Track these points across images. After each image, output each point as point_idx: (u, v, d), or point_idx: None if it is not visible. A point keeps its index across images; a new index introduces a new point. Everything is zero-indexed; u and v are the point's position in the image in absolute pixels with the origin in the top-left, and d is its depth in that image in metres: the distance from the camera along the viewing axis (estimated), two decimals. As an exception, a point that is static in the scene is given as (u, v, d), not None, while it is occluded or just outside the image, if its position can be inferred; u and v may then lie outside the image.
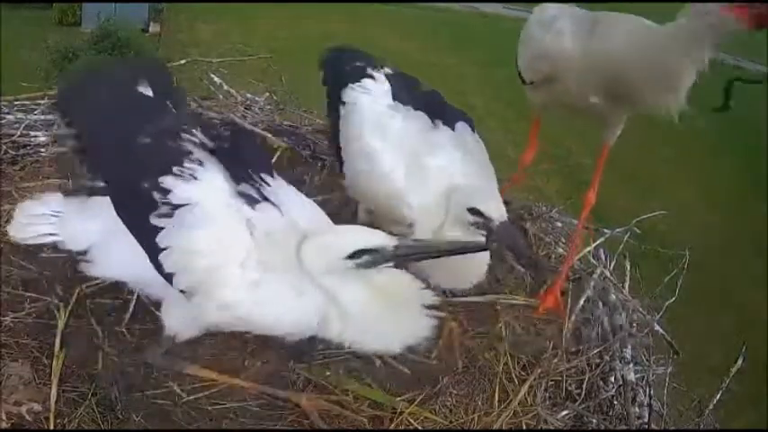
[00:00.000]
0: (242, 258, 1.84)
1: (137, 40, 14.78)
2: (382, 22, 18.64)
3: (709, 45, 2.13)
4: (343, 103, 2.48)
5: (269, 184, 1.98)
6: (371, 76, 2.50)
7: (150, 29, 17.70)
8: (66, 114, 2.06)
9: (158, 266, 1.89)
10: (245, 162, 1.96)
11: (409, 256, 1.96)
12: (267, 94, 3.86)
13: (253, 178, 1.94)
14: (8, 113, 3.25)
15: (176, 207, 1.82)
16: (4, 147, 3.04)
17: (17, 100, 3.42)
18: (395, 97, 2.47)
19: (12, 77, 7.35)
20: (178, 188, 1.83)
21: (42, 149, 3.11)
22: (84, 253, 2.09)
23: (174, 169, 1.84)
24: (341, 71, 2.55)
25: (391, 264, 1.94)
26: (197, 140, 1.92)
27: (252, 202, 1.89)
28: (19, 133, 3.12)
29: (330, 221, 2.12)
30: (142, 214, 1.85)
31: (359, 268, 1.90)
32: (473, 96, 13.48)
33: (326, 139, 3.47)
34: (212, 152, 1.94)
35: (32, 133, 3.16)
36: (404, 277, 1.99)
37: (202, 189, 1.86)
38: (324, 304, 1.92)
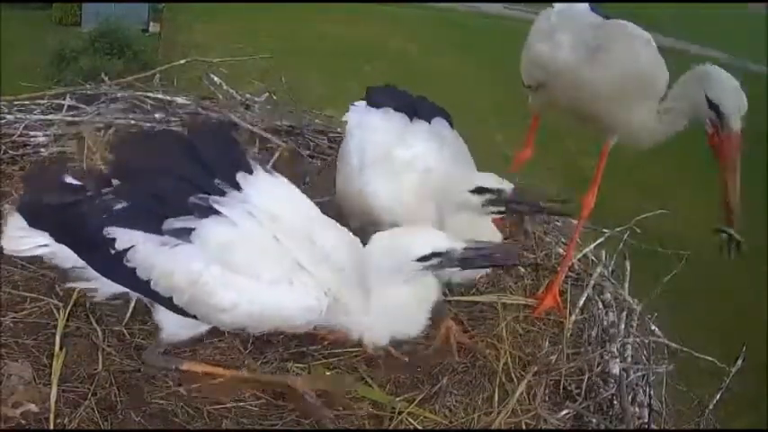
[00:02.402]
0: (201, 268, 1.88)
1: (137, 39, 14.80)
2: (382, 22, 18.64)
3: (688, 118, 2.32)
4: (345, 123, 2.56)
5: (223, 193, 1.95)
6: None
7: (150, 29, 17.71)
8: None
9: (154, 295, 1.96)
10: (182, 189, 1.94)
11: (474, 260, 1.98)
12: (267, 94, 3.86)
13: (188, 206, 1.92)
14: (8, 113, 3.25)
15: (128, 249, 1.91)
16: (3, 147, 3.05)
17: (17, 100, 3.42)
18: (369, 103, 2.52)
19: (12, 77, 7.35)
20: (120, 233, 1.91)
21: (42, 149, 3.12)
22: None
23: (105, 217, 1.92)
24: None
25: (457, 268, 1.98)
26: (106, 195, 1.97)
27: (181, 234, 1.89)
28: (18, 133, 3.12)
29: (316, 208, 2.12)
30: (115, 265, 1.93)
31: (426, 270, 1.95)
32: (474, 96, 13.47)
33: (327, 139, 3.48)
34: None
35: (32, 133, 3.16)
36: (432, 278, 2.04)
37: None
38: (329, 292, 1.94)
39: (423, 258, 1.92)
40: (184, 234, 1.89)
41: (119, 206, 1.94)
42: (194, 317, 1.98)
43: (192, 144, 2.03)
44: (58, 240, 2.02)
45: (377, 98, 2.52)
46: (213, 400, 2.14)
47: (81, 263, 2.02)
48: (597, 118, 2.47)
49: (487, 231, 2.23)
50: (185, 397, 2.13)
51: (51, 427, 1.98)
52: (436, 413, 2.18)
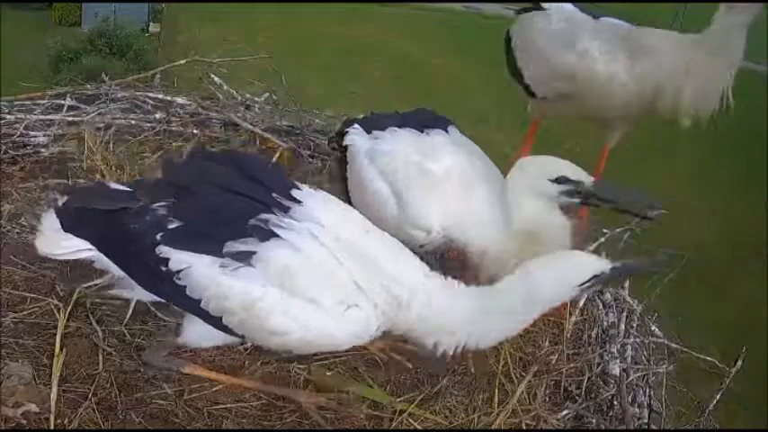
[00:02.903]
0: (260, 292, 1.84)
1: (137, 40, 14.81)
2: (382, 22, 18.65)
3: (741, 39, 2.29)
4: (345, 147, 2.46)
5: (282, 215, 1.89)
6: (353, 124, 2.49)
7: (150, 29, 17.72)
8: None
9: (202, 314, 1.91)
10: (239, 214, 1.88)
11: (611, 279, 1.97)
12: (267, 94, 3.87)
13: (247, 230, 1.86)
14: (8, 113, 3.25)
15: (182, 269, 1.86)
16: (3, 147, 3.05)
17: (17, 100, 3.42)
18: (369, 131, 2.43)
19: (12, 77, 7.35)
20: (175, 254, 1.86)
21: (42, 149, 3.12)
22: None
23: (159, 237, 1.87)
24: (338, 132, 2.57)
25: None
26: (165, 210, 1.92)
27: (243, 257, 1.84)
28: (19, 133, 3.12)
29: (369, 222, 2.06)
30: (164, 282, 1.89)
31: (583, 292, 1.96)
32: (474, 97, 13.48)
33: (327, 140, 3.48)
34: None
35: (32, 133, 3.16)
36: None
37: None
38: (381, 312, 1.89)
39: (583, 283, 1.90)
40: (245, 257, 1.83)
41: (174, 225, 1.88)
42: (241, 336, 1.94)
43: (242, 162, 2.01)
44: (101, 250, 1.97)
45: (374, 122, 2.45)
46: (213, 400, 2.14)
47: (121, 273, 1.98)
48: (625, 117, 2.45)
49: (559, 223, 2.18)
50: (185, 397, 2.13)
51: (51, 427, 1.98)
52: (436, 413, 2.18)
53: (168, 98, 3.58)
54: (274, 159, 3.18)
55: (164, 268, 1.86)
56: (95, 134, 3.18)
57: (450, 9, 20.37)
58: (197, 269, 1.84)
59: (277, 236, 1.84)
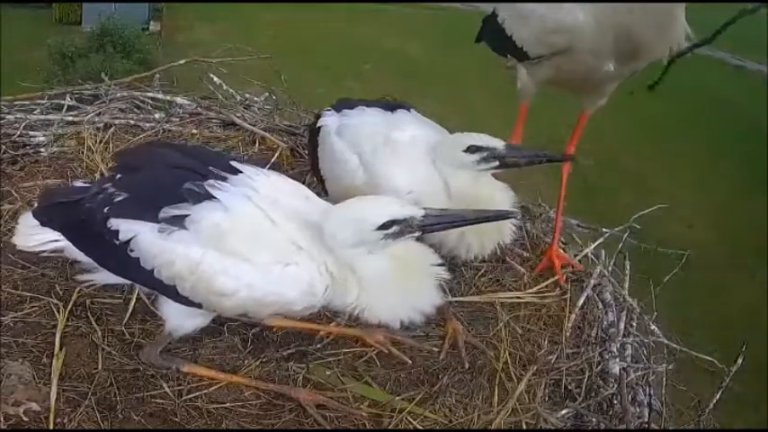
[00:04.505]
0: (199, 254, 1.90)
1: (138, 39, 14.82)
2: (382, 22, 18.66)
3: None
4: (318, 129, 2.58)
5: (217, 183, 1.98)
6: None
7: (150, 27, 17.75)
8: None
9: (159, 285, 1.97)
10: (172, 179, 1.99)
11: (435, 225, 1.99)
12: (267, 94, 3.87)
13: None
14: (8, 113, 3.25)
15: (131, 239, 1.94)
16: (3, 147, 3.05)
17: (17, 100, 3.42)
18: (339, 111, 2.56)
19: (12, 77, 7.36)
20: (122, 224, 1.95)
21: (42, 149, 3.12)
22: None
23: (107, 210, 1.97)
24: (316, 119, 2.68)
25: (418, 234, 1.98)
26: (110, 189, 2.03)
27: (176, 221, 1.92)
28: (18, 133, 3.12)
29: (313, 194, 2.15)
30: (121, 258, 1.97)
31: (387, 239, 1.94)
32: (474, 96, 13.48)
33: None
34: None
35: (32, 133, 3.16)
36: (418, 247, 2.03)
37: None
38: (328, 273, 1.95)
39: (382, 227, 1.92)
40: (179, 221, 1.91)
41: (119, 198, 1.98)
42: (199, 305, 1.99)
43: (186, 146, 2.13)
44: (69, 239, 2.08)
45: (345, 104, 2.58)
46: (212, 399, 2.14)
47: (87, 258, 2.07)
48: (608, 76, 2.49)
49: (493, 189, 2.27)
50: (185, 396, 2.13)
51: (51, 426, 1.99)
52: (436, 412, 2.18)
53: (168, 98, 3.58)
54: (274, 159, 3.18)
55: (116, 242, 1.95)
56: (95, 134, 3.19)
57: (450, 8, 20.39)
58: (142, 236, 1.93)
59: (210, 198, 1.92)
